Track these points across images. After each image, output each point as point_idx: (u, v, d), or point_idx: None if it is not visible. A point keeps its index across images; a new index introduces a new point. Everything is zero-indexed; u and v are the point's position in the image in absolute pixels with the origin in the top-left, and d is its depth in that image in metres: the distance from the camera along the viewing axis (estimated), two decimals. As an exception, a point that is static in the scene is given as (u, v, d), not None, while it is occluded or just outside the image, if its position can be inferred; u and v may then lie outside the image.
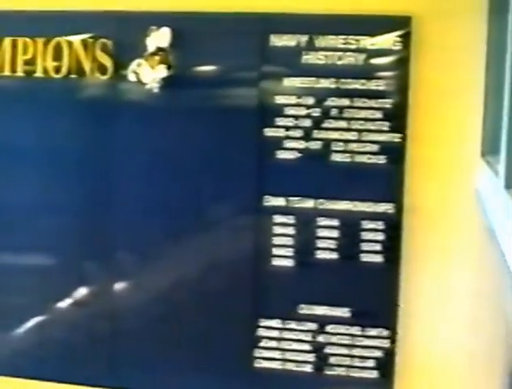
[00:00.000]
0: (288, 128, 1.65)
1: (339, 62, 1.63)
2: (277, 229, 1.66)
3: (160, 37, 1.68)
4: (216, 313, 1.70)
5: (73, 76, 1.73)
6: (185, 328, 1.71)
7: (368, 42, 1.62)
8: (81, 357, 1.77)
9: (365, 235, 1.63)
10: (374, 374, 1.65)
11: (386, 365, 1.65)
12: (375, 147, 1.62)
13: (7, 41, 1.76)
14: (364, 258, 1.64)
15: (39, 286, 1.77)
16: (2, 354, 1.82)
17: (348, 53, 1.62)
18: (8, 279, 1.80)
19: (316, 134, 1.64)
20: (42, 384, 1.79)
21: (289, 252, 1.66)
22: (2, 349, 1.81)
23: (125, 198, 1.73)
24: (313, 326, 1.66)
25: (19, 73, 1.76)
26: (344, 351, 1.65)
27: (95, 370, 1.76)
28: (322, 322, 1.66)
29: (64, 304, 1.77)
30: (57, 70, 1.74)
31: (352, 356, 1.65)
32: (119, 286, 1.75)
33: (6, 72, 1.77)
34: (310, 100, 1.64)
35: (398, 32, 1.60)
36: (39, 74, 1.75)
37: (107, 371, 1.76)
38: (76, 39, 1.73)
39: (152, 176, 1.72)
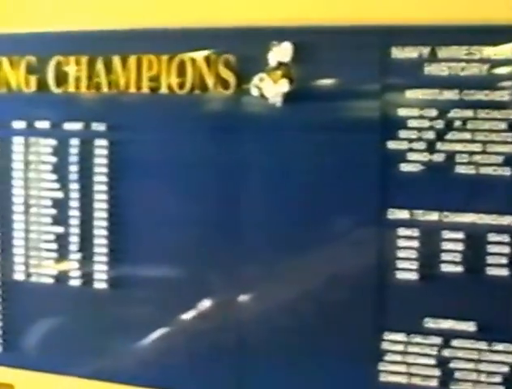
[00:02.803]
0: (411, 140, 1.63)
1: (462, 73, 1.60)
2: (401, 242, 1.65)
3: (282, 52, 1.69)
4: (340, 326, 1.70)
5: (196, 92, 1.77)
6: (309, 340, 1.72)
7: (491, 52, 1.58)
8: (206, 368, 1.80)
9: (491, 248, 1.60)
10: (501, 390, 1.62)
11: (513, 380, 1.62)
12: (500, 159, 1.59)
13: (132, 59, 1.81)
14: (490, 271, 1.60)
15: (164, 297, 1.82)
16: (128, 364, 1.86)
17: (471, 64, 1.59)
18: (135, 290, 1.85)
19: (439, 146, 1.62)
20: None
21: (413, 265, 1.64)
22: (127, 359, 1.86)
23: (250, 211, 1.75)
24: (438, 340, 1.64)
25: (145, 90, 1.81)
26: (470, 366, 1.62)
27: (220, 380, 1.79)
28: (448, 336, 1.63)
29: (189, 315, 1.80)
30: (181, 86, 1.77)
31: (478, 372, 1.62)
32: (243, 298, 1.77)
33: (132, 89, 1.82)
34: (433, 112, 1.62)
35: (522, 41, 1.57)
36: (163, 90, 1.79)
37: (232, 381, 1.79)
38: (199, 55, 1.76)
39: (275, 188, 1.73)
